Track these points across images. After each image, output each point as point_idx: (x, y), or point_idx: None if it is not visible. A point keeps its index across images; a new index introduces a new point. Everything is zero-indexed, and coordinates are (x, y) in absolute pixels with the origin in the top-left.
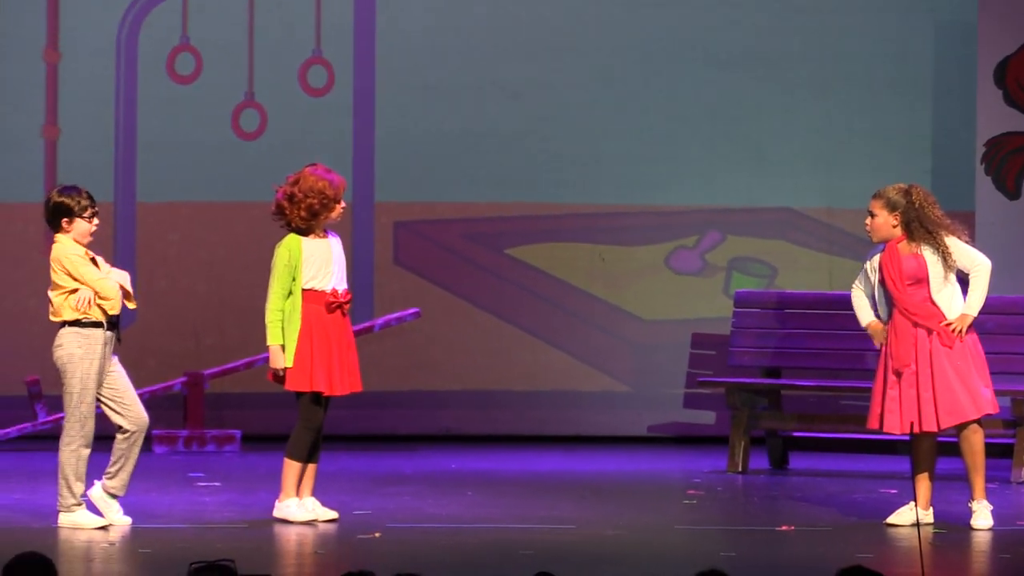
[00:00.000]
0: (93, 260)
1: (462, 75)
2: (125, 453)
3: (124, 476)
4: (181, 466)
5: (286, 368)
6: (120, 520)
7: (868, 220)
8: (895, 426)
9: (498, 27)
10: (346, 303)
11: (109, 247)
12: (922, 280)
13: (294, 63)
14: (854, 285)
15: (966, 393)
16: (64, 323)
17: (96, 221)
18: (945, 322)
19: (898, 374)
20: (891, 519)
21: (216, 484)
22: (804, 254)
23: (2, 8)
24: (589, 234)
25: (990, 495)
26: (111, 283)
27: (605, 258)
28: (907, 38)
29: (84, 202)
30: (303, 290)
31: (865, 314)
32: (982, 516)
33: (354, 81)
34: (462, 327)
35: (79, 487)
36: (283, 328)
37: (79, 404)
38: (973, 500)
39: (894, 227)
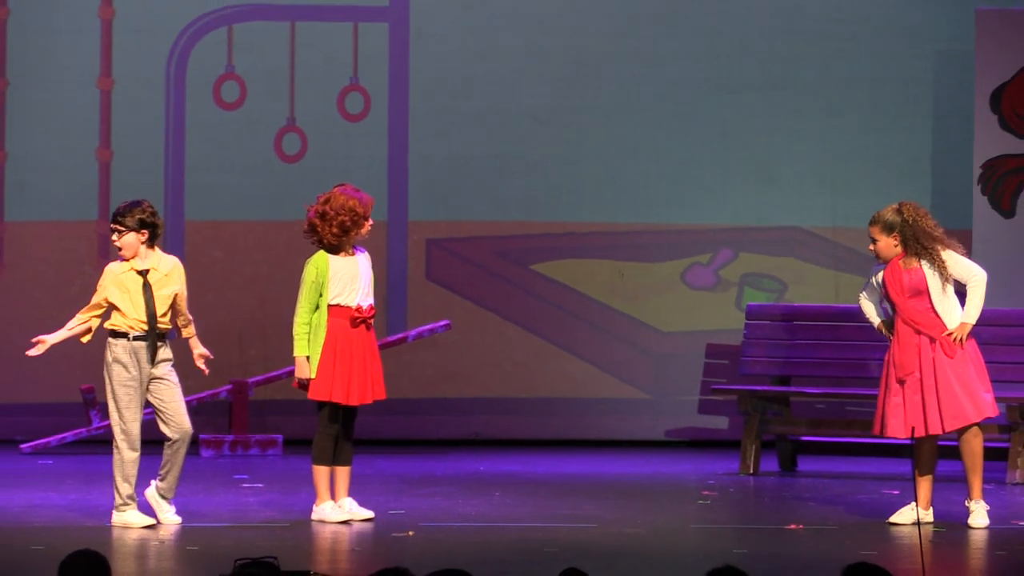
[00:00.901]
0: (143, 273)
1: (491, 102)
2: (171, 459)
3: (171, 480)
4: (227, 469)
5: (310, 378)
6: (171, 520)
7: (871, 246)
8: (898, 430)
9: (525, 57)
10: (370, 318)
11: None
12: (923, 292)
13: (333, 90)
14: (861, 294)
15: (968, 398)
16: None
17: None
18: (946, 332)
19: (901, 382)
20: (894, 518)
21: (259, 485)
22: (812, 270)
23: (59, 39)
24: (609, 251)
25: (987, 496)
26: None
27: (624, 273)
28: (909, 66)
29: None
30: (329, 305)
31: (874, 316)
32: (979, 515)
33: (389, 107)
34: (490, 338)
35: (126, 488)
36: (309, 340)
37: (114, 411)
38: (971, 500)
39: (895, 247)
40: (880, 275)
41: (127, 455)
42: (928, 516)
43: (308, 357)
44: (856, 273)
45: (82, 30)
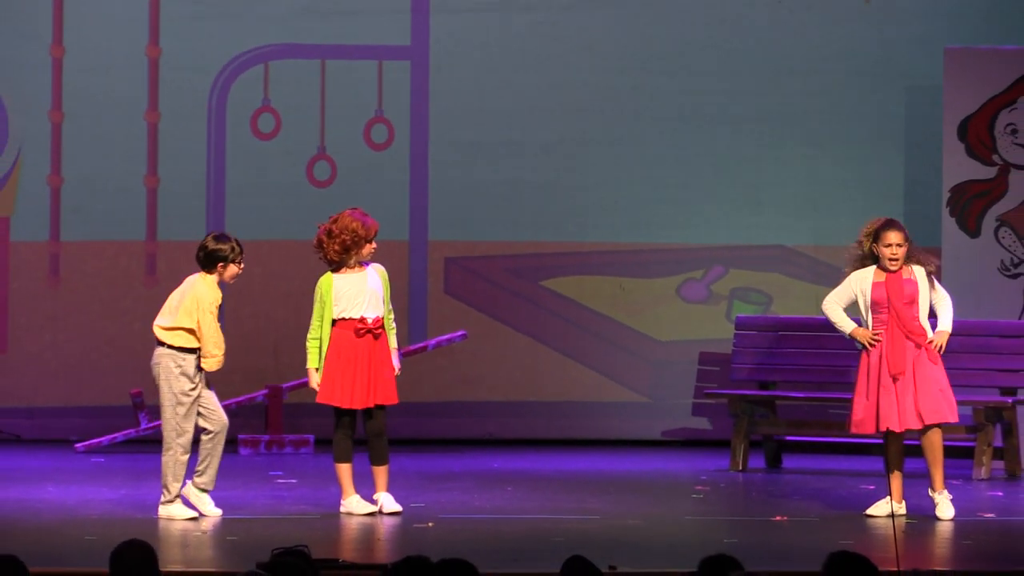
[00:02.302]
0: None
1: (504, 133)
2: (211, 452)
3: (211, 472)
4: (262, 466)
5: (318, 385)
6: (212, 512)
7: (898, 251)
8: (894, 424)
9: (535, 93)
10: (375, 329)
11: None
12: (914, 301)
13: (359, 122)
14: (830, 301)
15: (945, 399)
16: (165, 344)
17: (243, 265)
18: (928, 340)
19: (895, 379)
20: (870, 511)
21: (293, 481)
22: (796, 284)
23: (110, 76)
24: (611, 268)
25: (955, 490)
26: (216, 344)
27: (625, 288)
28: (883, 100)
29: (236, 248)
30: (333, 320)
31: (847, 322)
32: (945, 506)
33: (411, 137)
34: (502, 347)
35: (175, 487)
36: (320, 352)
37: (173, 415)
38: (935, 491)
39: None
40: (868, 281)
41: (181, 458)
42: (901, 509)
43: (317, 369)
44: (835, 287)
45: (131, 67)
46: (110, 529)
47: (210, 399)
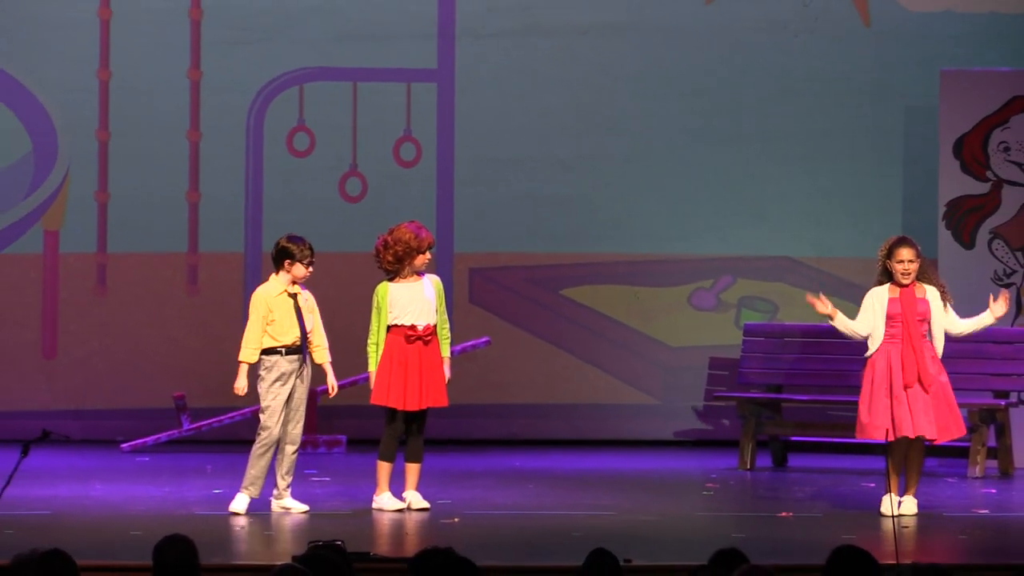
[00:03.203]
0: (295, 296)
1: (524, 150)
2: (289, 456)
3: (282, 479)
4: (298, 465)
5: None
6: (299, 507)
7: (910, 266)
8: (879, 435)
9: (554, 113)
10: (424, 336)
11: (241, 290)
12: (926, 319)
13: (389, 140)
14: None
15: (956, 417)
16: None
17: (311, 268)
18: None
19: (907, 388)
20: (883, 509)
21: (326, 479)
22: (800, 293)
23: (154, 97)
24: (626, 278)
25: (951, 488)
26: (245, 350)
27: (639, 297)
28: (882, 119)
29: (305, 250)
30: (388, 326)
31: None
32: (912, 505)
33: (437, 155)
34: (524, 353)
35: (252, 473)
36: (377, 355)
37: (264, 417)
38: (909, 494)
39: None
40: (884, 297)
41: (256, 450)
42: (912, 506)
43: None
44: (838, 296)
45: (174, 89)
46: (154, 524)
47: (295, 410)
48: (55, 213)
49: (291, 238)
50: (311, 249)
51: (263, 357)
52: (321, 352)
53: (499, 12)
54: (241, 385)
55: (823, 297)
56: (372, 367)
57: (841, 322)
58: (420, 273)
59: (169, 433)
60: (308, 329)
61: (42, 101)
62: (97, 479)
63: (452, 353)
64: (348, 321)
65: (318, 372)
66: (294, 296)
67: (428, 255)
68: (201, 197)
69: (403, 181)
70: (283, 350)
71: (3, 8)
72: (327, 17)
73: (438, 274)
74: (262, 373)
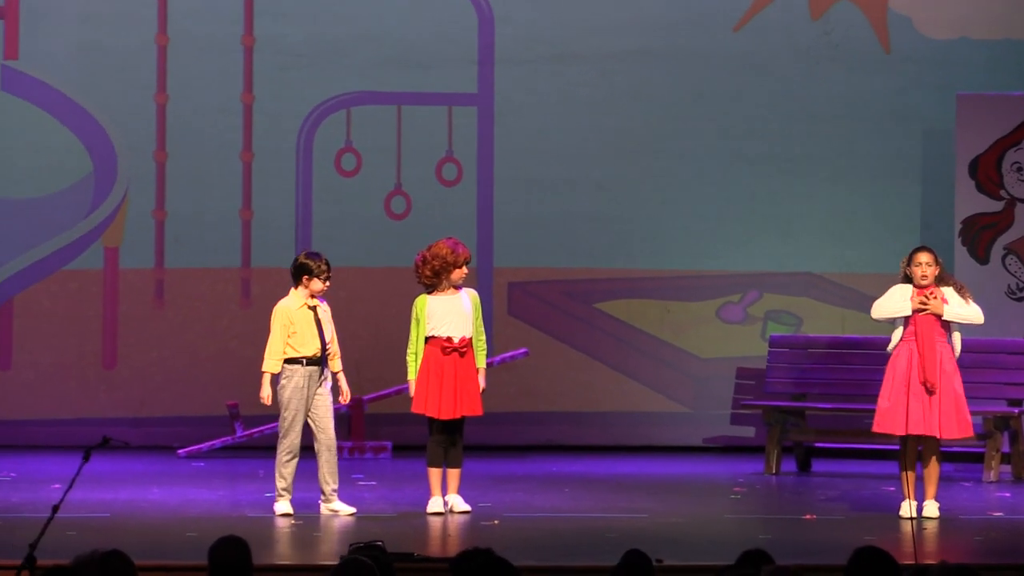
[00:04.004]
0: (314, 309)
1: (561, 171)
2: (326, 462)
3: (325, 483)
4: (345, 469)
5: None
6: (346, 509)
7: (929, 271)
8: (897, 428)
9: (589, 134)
10: (460, 348)
11: None
12: (938, 313)
13: (432, 161)
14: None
15: (961, 416)
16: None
17: (328, 283)
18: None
19: (930, 392)
20: (902, 512)
21: (372, 483)
22: (823, 307)
23: (208, 119)
24: (658, 292)
25: (967, 492)
26: (268, 361)
27: (670, 310)
28: (901, 141)
29: (322, 265)
30: (426, 337)
31: (900, 307)
32: (934, 509)
33: (478, 175)
34: (560, 363)
35: (281, 483)
36: (416, 365)
37: (285, 425)
38: (928, 499)
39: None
40: (912, 294)
41: (285, 459)
42: (934, 510)
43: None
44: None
45: (227, 112)
46: (208, 526)
47: (323, 417)
48: (115, 231)
49: (309, 254)
50: (328, 264)
51: (284, 367)
52: (335, 361)
53: (536, 39)
54: (266, 394)
55: (935, 295)
56: (411, 376)
57: (950, 312)
58: (458, 287)
59: (223, 440)
60: (328, 340)
61: (103, 124)
62: (154, 483)
63: (491, 363)
64: (394, 333)
65: (363, 384)
66: (313, 309)
67: (464, 269)
68: (253, 215)
69: (445, 199)
70: (304, 360)
71: (66, 36)
72: (373, 44)
73: (478, 288)
74: (282, 382)
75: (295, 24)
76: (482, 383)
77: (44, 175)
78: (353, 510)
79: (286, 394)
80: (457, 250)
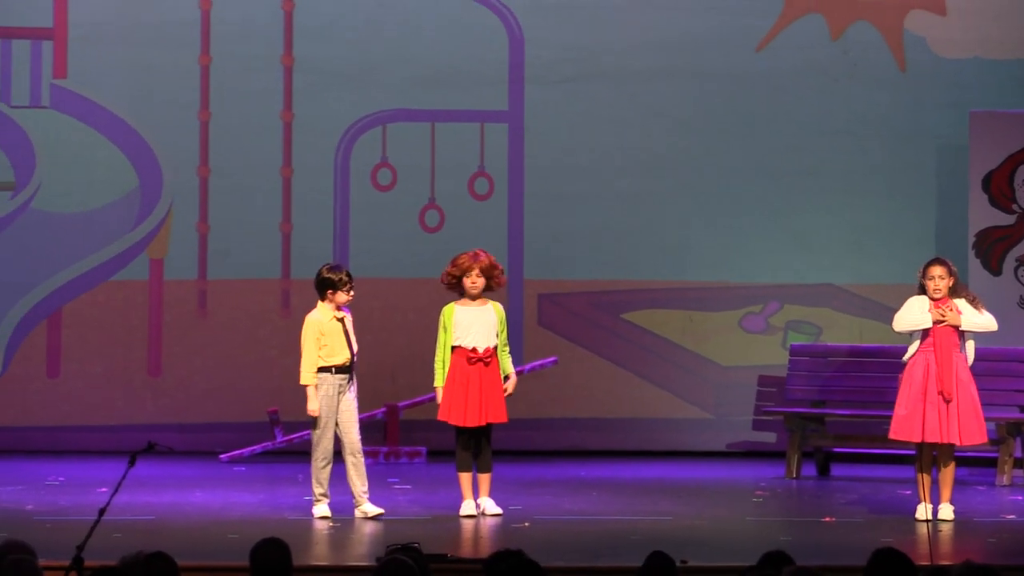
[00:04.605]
0: (342, 320)
1: (588, 186)
2: (353, 466)
3: (355, 487)
4: (381, 473)
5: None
6: (375, 510)
7: (942, 283)
8: (914, 435)
9: (615, 151)
10: (484, 358)
11: None
12: (958, 330)
13: (464, 176)
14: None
15: (979, 423)
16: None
17: (352, 293)
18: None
19: (948, 401)
20: (918, 516)
21: (407, 487)
22: (841, 317)
23: (249, 136)
24: (682, 303)
25: (980, 495)
26: (306, 374)
27: (693, 320)
28: (916, 157)
29: (345, 278)
30: (452, 347)
31: (920, 319)
32: (950, 511)
33: (508, 189)
34: (588, 371)
35: (318, 488)
36: (443, 371)
37: (317, 433)
38: (944, 502)
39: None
40: (928, 306)
41: (321, 465)
42: (949, 513)
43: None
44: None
45: (268, 129)
46: (249, 528)
47: (348, 423)
48: (160, 243)
49: (330, 268)
50: (349, 275)
51: (318, 376)
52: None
53: (564, 60)
54: (314, 407)
55: (951, 308)
56: (438, 382)
57: (967, 323)
58: (475, 298)
59: (263, 445)
60: (355, 350)
61: (148, 141)
62: (198, 487)
63: (522, 372)
64: (428, 342)
65: (398, 390)
66: (341, 320)
67: (477, 280)
68: (293, 228)
69: (477, 213)
70: (333, 369)
71: (113, 56)
72: (408, 64)
73: (509, 298)
74: (313, 388)
75: (332, 45)
76: (510, 388)
77: (91, 190)
78: (381, 511)
79: (312, 404)
80: (462, 260)
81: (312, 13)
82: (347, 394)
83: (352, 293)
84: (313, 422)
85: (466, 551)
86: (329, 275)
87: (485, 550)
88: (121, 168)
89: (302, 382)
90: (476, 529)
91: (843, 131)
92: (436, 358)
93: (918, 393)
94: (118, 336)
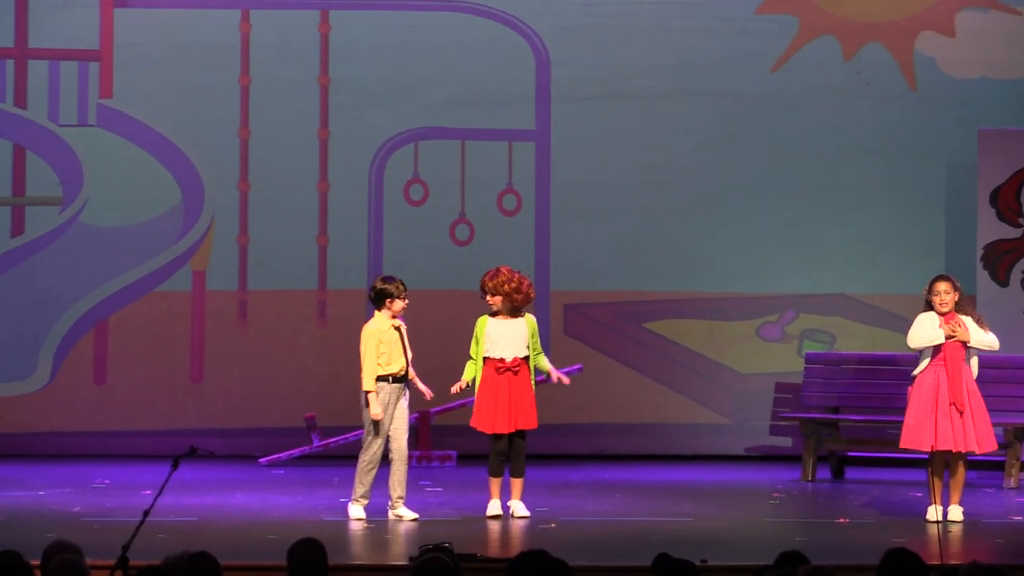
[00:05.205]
0: (398, 328)
1: (611, 201)
2: (397, 471)
3: (395, 490)
4: (414, 476)
5: (467, 383)
6: (409, 515)
7: (947, 298)
8: (924, 445)
9: (637, 166)
10: (512, 368)
11: (363, 322)
12: (964, 343)
13: (493, 192)
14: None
15: (989, 430)
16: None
17: (407, 300)
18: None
19: (961, 412)
20: (929, 517)
21: (439, 489)
22: (855, 326)
23: (287, 152)
24: (702, 313)
25: (988, 497)
26: (367, 381)
27: (713, 329)
28: (926, 172)
29: (400, 287)
30: (484, 357)
31: (934, 336)
32: (959, 513)
33: (536, 205)
34: (612, 378)
35: (360, 489)
36: (474, 371)
37: (368, 438)
38: (953, 504)
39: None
40: (938, 321)
41: (367, 468)
42: (958, 514)
43: (468, 384)
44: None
45: (305, 146)
46: (287, 529)
47: (399, 428)
48: (202, 255)
49: (385, 279)
50: (404, 285)
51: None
52: (410, 369)
53: (589, 80)
54: (377, 411)
55: (959, 324)
56: (466, 375)
57: (975, 339)
58: (518, 313)
59: (301, 449)
60: (410, 359)
61: (191, 157)
62: (238, 490)
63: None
64: (458, 350)
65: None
66: (398, 329)
67: (492, 299)
68: (329, 241)
69: (506, 228)
70: (390, 378)
71: (157, 77)
72: (439, 84)
73: (538, 310)
74: (370, 395)
75: (367, 66)
76: (565, 379)
77: (136, 204)
78: (416, 516)
79: (374, 410)
80: (484, 278)
81: (347, 36)
82: (401, 402)
83: (407, 300)
84: (369, 427)
85: (495, 551)
86: (386, 286)
87: (514, 550)
88: (165, 183)
89: (364, 388)
90: (505, 530)
91: (856, 148)
92: (470, 359)
93: (928, 404)
94: (162, 344)
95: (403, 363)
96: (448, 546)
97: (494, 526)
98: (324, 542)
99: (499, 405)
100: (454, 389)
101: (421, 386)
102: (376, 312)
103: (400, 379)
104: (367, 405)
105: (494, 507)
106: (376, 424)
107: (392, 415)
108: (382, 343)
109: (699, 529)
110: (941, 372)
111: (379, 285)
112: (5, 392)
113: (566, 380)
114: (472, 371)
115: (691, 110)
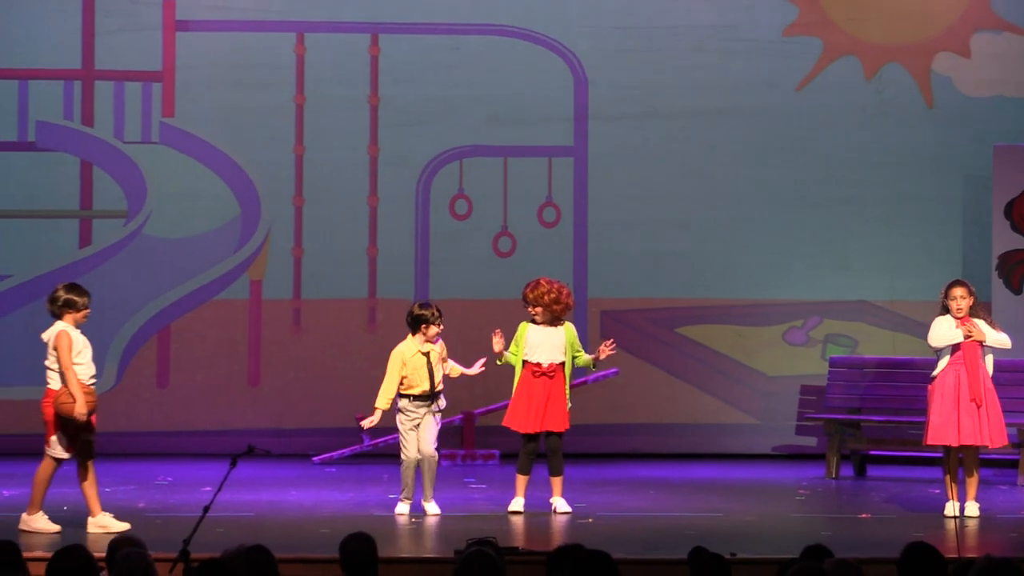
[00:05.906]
0: (427, 354)
1: (646, 213)
2: (427, 471)
3: (425, 489)
4: (459, 474)
5: (503, 351)
6: (434, 510)
7: (963, 303)
8: (950, 439)
9: (671, 181)
10: (547, 372)
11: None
12: (980, 344)
13: (534, 205)
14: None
15: (1002, 426)
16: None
17: (442, 325)
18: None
19: (978, 406)
20: (946, 512)
21: (483, 487)
22: (876, 331)
23: (339, 169)
24: (731, 319)
25: (1003, 494)
26: (381, 398)
27: (741, 335)
28: (944, 186)
29: (436, 313)
30: (523, 360)
31: (952, 337)
32: (975, 509)
33: (574, 218)
34: (647, 381)
35: (404, 491)
36: (515, 363)
37: (401, 443)
38: (969, 500)
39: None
40: (955, 323)
41: (404, 468)
42: (974, 510)
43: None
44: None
45: (356, 163)
46: (339, 524)
47: (425, 432)
48: (258, 266)
49: (422, 305)
50: (439, 310)
51: (399, 399)
52: (455, 369)
53: (625, 99)
54: (374, 420)
55: (975, 327)
56: (509, 357)
57: (991, 338)
58: (559, 321)
59: (352, 448)
60: (438, 380)
61: (248, 173)
62: (292, 486)
63: (586, 382)
64: None
65: (474, 399)
66: (426, 354)
67: (534, 309)
68: (378, 252)
69: (546, 239)
70: (411, 397)
71: (216, 97)
72: (482, 104)
73: (576, 316)
74: (399, 411)
75: (414, 87)
76: (597, 350)
77: (197, 217)
78: (438, 511)
79: (403, 420)
80: (533, 286)
81: (396, 57)
82: (428, 416)
83: (442, 326)
84: (399, 436)
85: (535, 544)
86: (422, 312)
87: (553, 543)
88: (224, 198)
89: (376, 404)
90: (545, 525)
91: (877, 163)
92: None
93: (951, 402)
94: (221, 350)
95: (426, 386)
96: (492, 540)
97: (534, 521)
98: (374, 536)
99: (532, 406)
100: (496, 347)
101: (468, 370)
102: (409, 335)
103: (423, 399)
104: (399, 413)
105: (517, 503)
106: (404, 434)
107: (420, 425)
108: (406, 366)
109: (729, 524)
110: (961, 371)
111: (416, 311)
112: None
113: (607, 351)
114: (514, 360)
115: (721, 127)
